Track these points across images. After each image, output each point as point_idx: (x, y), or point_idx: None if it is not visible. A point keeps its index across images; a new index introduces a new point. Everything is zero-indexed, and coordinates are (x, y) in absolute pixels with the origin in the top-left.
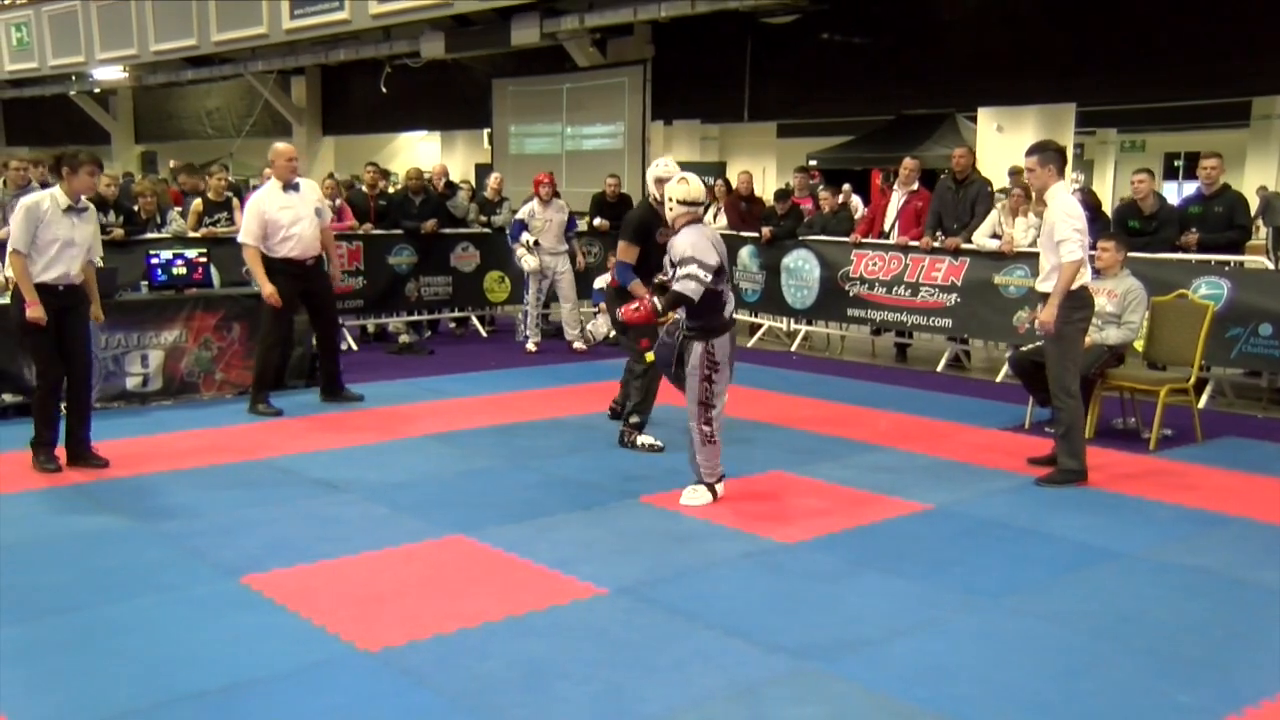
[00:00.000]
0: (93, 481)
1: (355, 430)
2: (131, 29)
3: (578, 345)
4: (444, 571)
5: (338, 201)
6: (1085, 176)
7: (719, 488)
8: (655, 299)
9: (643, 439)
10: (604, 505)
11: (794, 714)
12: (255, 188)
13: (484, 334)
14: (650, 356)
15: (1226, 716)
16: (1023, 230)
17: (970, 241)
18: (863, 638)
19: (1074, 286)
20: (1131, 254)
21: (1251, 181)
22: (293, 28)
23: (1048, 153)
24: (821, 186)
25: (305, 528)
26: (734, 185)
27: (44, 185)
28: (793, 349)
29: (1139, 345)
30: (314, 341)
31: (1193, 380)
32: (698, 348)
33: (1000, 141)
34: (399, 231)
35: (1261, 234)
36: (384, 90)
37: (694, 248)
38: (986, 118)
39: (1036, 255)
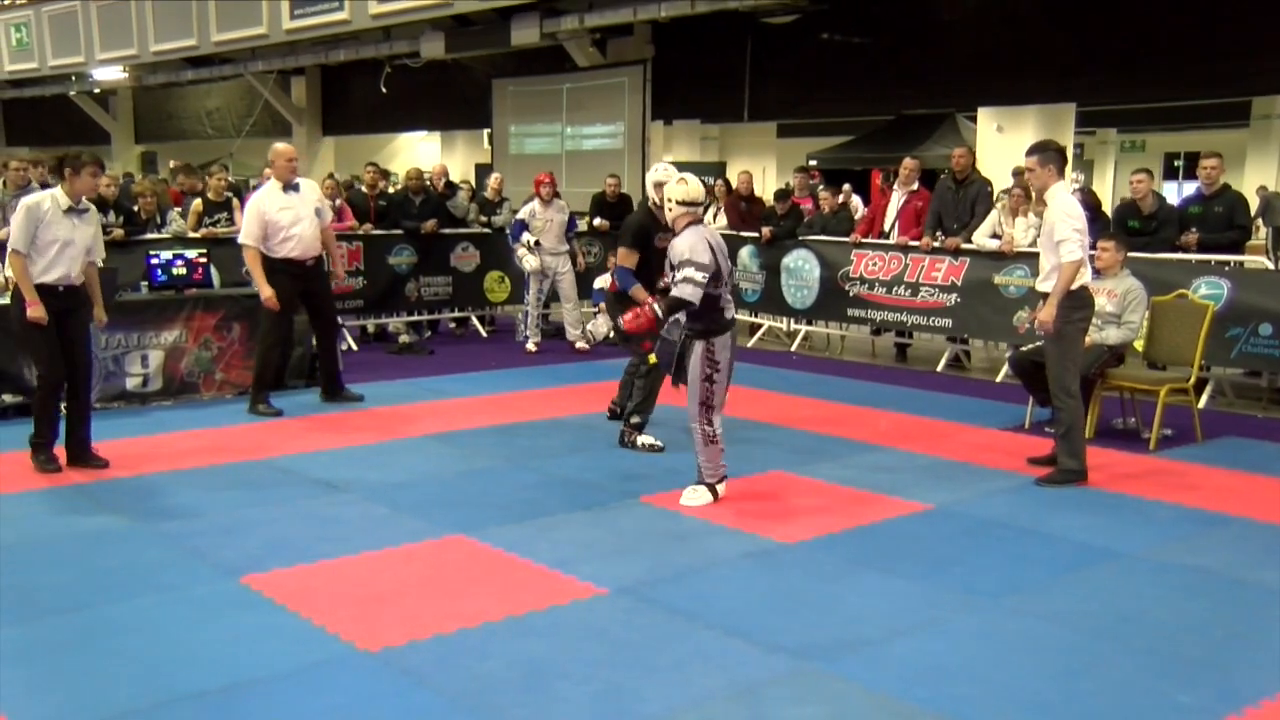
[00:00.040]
0: (93, 481)
1: (355, 430)
2: (131, 29)
3: (580, 345)
4: (444, 571)
5: (338, 202)
6: (1085, 176)
7: (720, 488)
8: (656, 305)
9: (643, 439)
10: (604, 505)
11: (794, 714)
12: (255, 188)
13: (484, 334)
14: (653, 359)
15: (1226, 716)
16: (1023, 230)
17: (970, 241)
18: (863, 638)
19: (1074, 286)
20: (1131, 254)
21: (1251, 181)
22: (293, 28)
23: (1048, 153)
24: (821, 186)
25: (305, 528)
26: (734, 185)
27: (44, 186)
28: (793, 349)
29: (1139, 345)
30: (314, 342)
31: (1193, 380)
32: (698, 348)
33: (1000, 141)
34: (399, 231)
35: (1261, 234)
36: (384, 90)
37: (691, 250)
38: (986, 118)
39: (1036, 255)
